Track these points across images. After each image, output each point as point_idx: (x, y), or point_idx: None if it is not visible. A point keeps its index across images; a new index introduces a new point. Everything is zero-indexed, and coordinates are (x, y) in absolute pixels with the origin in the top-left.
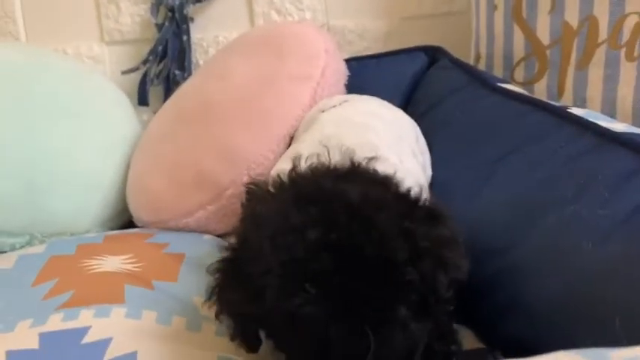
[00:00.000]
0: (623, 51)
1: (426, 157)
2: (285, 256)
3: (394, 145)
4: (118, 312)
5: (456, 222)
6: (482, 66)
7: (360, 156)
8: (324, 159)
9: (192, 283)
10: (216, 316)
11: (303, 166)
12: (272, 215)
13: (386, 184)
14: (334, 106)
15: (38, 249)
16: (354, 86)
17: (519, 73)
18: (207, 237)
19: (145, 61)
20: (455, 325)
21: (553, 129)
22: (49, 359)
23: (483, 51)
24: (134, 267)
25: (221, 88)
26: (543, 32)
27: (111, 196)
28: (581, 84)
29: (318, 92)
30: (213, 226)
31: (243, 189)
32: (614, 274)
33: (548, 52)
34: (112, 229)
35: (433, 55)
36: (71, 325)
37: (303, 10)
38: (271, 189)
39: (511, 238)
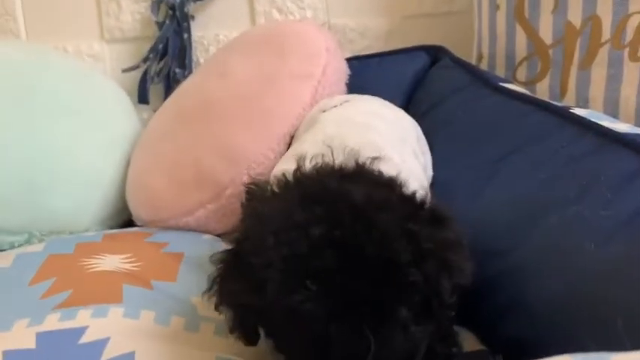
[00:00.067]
0: (626, 51)
1: (427, 158)
2: (288, 252)
3: (397, 145)
4: (115, 312)
5: (458, 223)
6: (484, 65)
7: (364, 156)
8: (329, 159)
9: (191, 283)
10: (216, 307)
11: (308, 166)
12: (276, 213)
13: (391, 185)
14: (335, 106)
15: (36, 247)
16: (356, 85)
17: (521, 73)
18: (206, 237)
19: (145, 59)
20: (455, 327)
21: (555, 129)
22: (46, 359)
23: (485, 50)
24: (133, 266)
25: (222, 86)
26: (546, 32)
27: (110, 194)
28: (583, 84)
29: (319, 91)
30: (213, 226)
31: (243, 188)
32: (617, 275)
33: (550, 51)
34: (112, 227)
35: (435, 54)
36: (68, 324)
37: (304, 8)
38: (275, 189)
39: (513, 239)
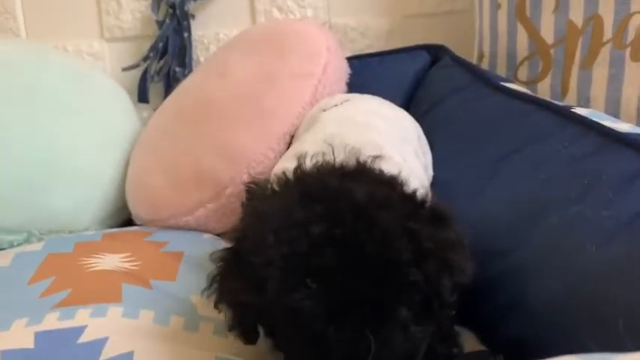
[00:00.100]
0: (627, 50)
1: (427, 157)
2: (288, 250)
3: (397, 145)
4: (114, 311)
5: (459, 223)
6: (485, 65)
7: (365, 155)
8: (329, 157)
9: (190, 283)
10: (216, 305)
11: (309, 164)
12: (276, 211)
13: (392, 183)
14: (336, 105)
15: (36, 247)
16: (356, 84)
17: (523, 72)
18: (206, 236)
19: (145, 58)
20: (456, 328)
21: (557, 129)
22: (45, 359)
23: (486, 50)
24: (132, 265)
25: (222, 85)
26: (547, 31)
27: (110, 193)
28: (585, 83)
29: (319, 90)
30: (212, 225)
31: (243, 187)
32: (618, 275)
33: (552, 51)
34: (111, 226)
35: (435, 53)
36: (67, 324)
37: (304, 7)
38: (276, 187)
39: (513, 239)
